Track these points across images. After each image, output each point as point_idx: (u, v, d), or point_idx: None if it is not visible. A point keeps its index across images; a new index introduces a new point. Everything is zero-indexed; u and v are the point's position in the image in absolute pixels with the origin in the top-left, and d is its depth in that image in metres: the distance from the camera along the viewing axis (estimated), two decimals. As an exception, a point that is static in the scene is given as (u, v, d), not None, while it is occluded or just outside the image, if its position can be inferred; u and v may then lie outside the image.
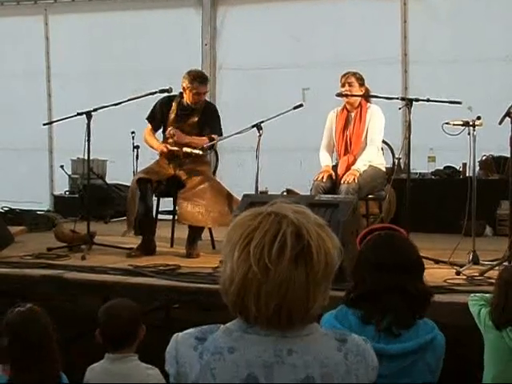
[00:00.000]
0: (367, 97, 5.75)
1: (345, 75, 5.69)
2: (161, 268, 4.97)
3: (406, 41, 8.05)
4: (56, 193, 9.16)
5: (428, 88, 7.16)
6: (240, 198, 5.18)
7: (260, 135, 5.55)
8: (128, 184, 6.24)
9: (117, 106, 5.79)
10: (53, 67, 9.46)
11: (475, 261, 4.92)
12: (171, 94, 5.87)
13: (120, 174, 8.19)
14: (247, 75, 8.60)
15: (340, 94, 5.68)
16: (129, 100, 5.87)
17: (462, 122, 5.12)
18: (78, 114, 5.63)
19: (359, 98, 5.66)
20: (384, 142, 5.84)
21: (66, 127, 6.69)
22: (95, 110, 5.65)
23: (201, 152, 5.78)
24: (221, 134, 5.95)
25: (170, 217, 6.06)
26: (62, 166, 8.60)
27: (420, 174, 7.32)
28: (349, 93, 5.63)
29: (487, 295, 3.24)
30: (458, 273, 4.65)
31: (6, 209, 7.78)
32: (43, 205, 8.85)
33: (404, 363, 2.52)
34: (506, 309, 3.02)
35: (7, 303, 3.26)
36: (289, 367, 1.60)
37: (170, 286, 4.56)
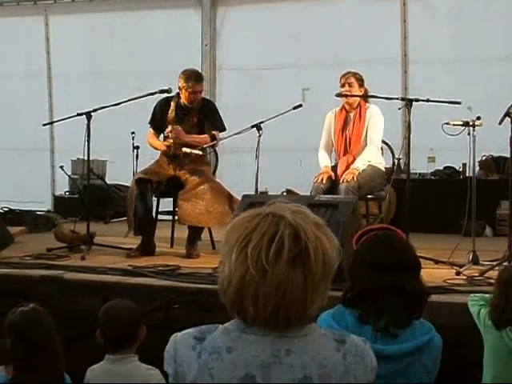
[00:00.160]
0: (367, 97, 5.74)
1: (344, 75, 5.68)
2: (161, 268, 4.96)
3: (405, 41, 8.05)
4: (56, 193, 9.17)
5: (428, 88, 7.16)
6: (240, 199, 5.18)
7: (260, 135, 5.55)
8: (128, 184, 6.25)
9: (117, 107, 5.80)
10: (53, 67, 9.47)
11: (475, 261, 4.92)
12: (169, 94, 5.87)
13: (120, 174, 8.20)
14: (247, 75, 8.60)
15: (340, 95, 5.68)
16: (129, 100, 5.87)
17: (461, 122, 5.12)
18: (78, 115, 5.64)
19: (358, 99, 5.65)
20: (384, 142, 5.83)
21: (66, 127, 6.70)
22: (95, 110, 5.65)
23: (200, 152, 5.77)
24: (223, 129, 5.93)
25: (170, 217, 6.06)
26: (61, 167, 8.60)
27: (420, 174, 7.32)
28: (348, 93, 5.62)
29: (487, 295, 3.24)
30: (457, 273, 4.64)
31: (6, 209, 7.78)
32: (44, 205, 8.86)
33: (401, 364, 2.51)
34: (505, 309, 3.02)
35: (8, 304, 3.26)
36: (286, 367, 1.60)
37: (169, 287, 4.55)
